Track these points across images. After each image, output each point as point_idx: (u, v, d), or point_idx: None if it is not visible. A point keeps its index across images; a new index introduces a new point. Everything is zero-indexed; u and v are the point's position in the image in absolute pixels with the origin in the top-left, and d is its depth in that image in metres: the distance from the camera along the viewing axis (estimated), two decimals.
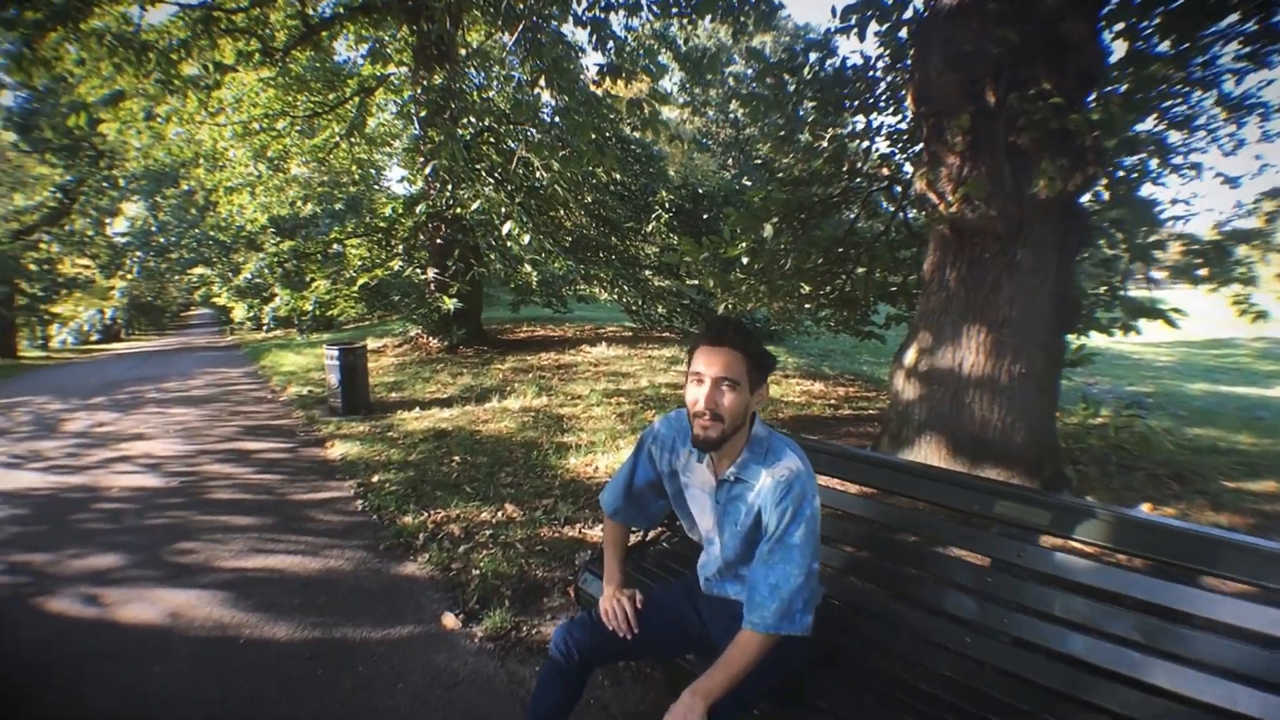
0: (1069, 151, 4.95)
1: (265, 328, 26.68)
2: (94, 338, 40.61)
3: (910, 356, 5.77)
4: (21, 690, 3.29)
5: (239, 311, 26.92)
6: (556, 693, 2.36)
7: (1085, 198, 5.82)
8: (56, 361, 24.43)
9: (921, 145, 5.84)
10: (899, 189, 7.86)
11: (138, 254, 30.87)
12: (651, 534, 3.41)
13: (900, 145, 7.98)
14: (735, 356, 2.16)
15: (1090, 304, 6.59)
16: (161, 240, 29.27)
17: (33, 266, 27.72)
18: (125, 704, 3.17)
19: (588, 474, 6.39)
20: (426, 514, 5.44)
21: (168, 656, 3.54)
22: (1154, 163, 6.72)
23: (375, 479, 6.41)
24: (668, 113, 40.55)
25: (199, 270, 30.54)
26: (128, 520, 5.53)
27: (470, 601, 4.03)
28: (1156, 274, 7.69)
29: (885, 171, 7.97)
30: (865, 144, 7.89)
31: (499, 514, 5.43)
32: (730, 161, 41.64)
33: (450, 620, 3.83)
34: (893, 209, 8.17)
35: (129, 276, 34.24)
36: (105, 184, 27.12)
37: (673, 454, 2.51)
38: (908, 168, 7.79)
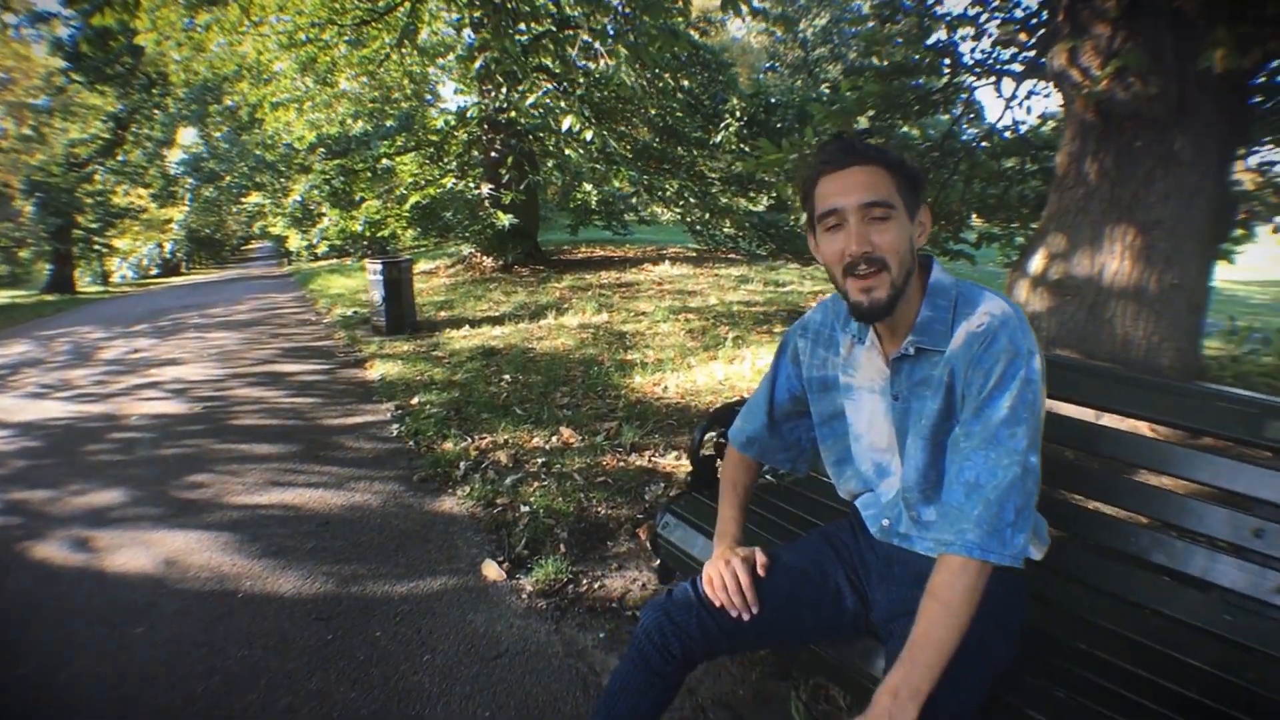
0: (1249, 17, 3.96)
1: (315, 254, 26.19)
2: (153, 272, 40.81)
3: (1037, 263, 4.87)
4: None
5: (294, 240, 26.52)
6: (643, 699, 1.60)
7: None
8: (113, 295, 24.35)
9: (1059, 15, 4.85)
10: (1008, 85, 6.75)
11: (189, 181, 30.54)
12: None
13: (1022, 27, 6.76)
14: (876, 172, 1.48)
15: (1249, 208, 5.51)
16: (213, 166, 28.81)
17: (87, 200, 27.63)
18: (97, 679, 2.52)
19: (655, 394, 5.63)
20: (470, 440, 4.74)
21: (154, 614, 2.90)
22: None
23: (415, 401, 5.73)
24: (734, 26, 38.85)
25: (254, 198, 30.17)
26: (141, 451, 4.96)
27: (517, 546, 3.30)
28: None
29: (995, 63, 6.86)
30: (969, 31, 6.75)
31: (553, 439, 4.70)
32: (799, 84, 39.92)
33: (492, 570, 3.09)
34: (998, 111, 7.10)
35: (182, 205, 34.09)
36: (157, 110, 26.67)
37: (830, 348, 1.75)
38: (1015, 66, 6.66)
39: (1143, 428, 3.17)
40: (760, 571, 1.69)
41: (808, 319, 1.82)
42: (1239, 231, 5.30)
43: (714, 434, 2.53)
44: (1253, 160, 5.33)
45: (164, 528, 3.70)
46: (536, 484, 3.97)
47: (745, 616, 1.62)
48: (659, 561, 2.46)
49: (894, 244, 1.45)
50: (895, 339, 1.58)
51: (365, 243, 16.25)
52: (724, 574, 1.65)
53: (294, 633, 2.72)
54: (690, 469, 2.56)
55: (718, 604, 1.63)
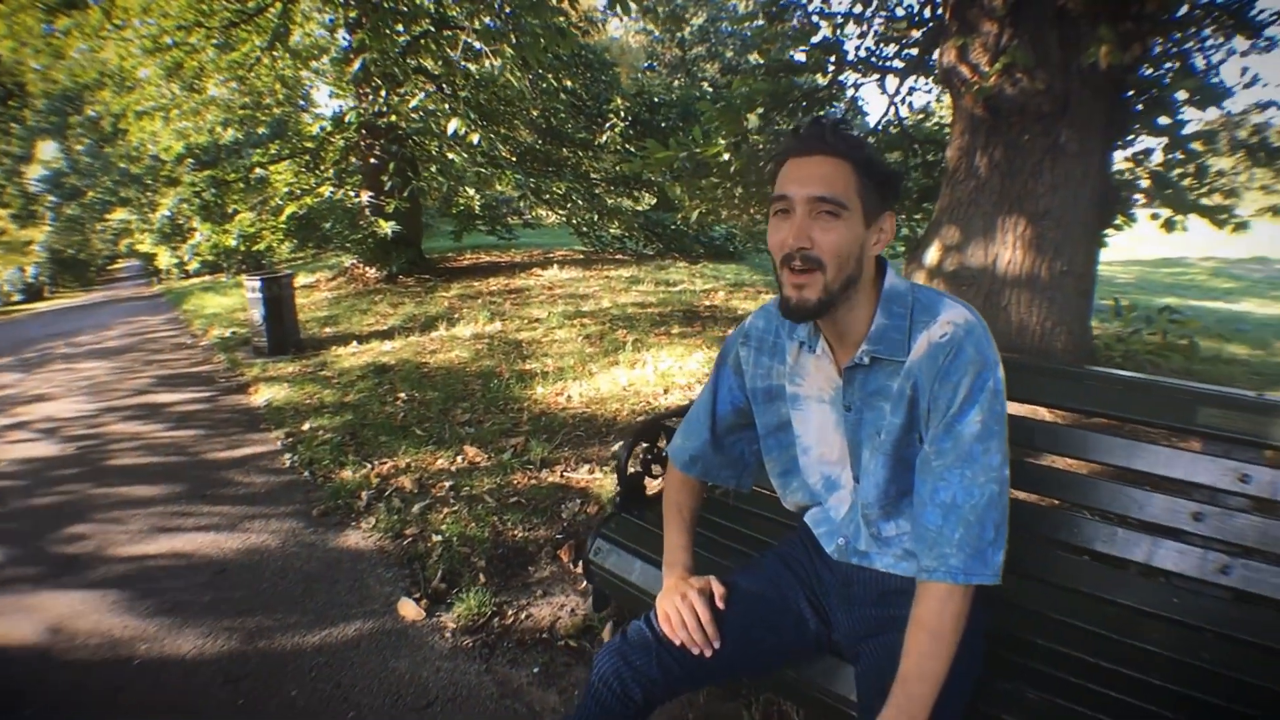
0: (1130, 15, 4.26)
1: (187, 271, 25.03)
2: (15, 298, 38.64)
3: (932, 255, 5.09)
4: None
5: (163, 258, 25.35)
6: None
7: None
8: None
9: (945, 14, 5.02)
10: (892, 82, 6.94)
11: (50, 199, 28.93)
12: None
13: (907, 25, 6.93)
14: (839, 166, 1.39)
15: (1129, 196, 5.78)
16: (75, 182, 27.34)
17: None
18: None
19: (559, 404, 5.55)
20: (369, 466, 4.56)
21: (45, 692, 2.64)
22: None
23: (306, 427, 5.48)
24: (613, 25, 38.99)
25: (119, 214, 28.78)
26: (12, 501, 4.57)
27: (434, 579, 3.16)
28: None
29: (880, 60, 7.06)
30: (855, 29, 6.93)
31: (458, 459, 4.56)
32: (676, 84, 40.34)
33: (410, 608, 2.95)
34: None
35: (44, 225, 32.33)
36: (15, 124, 25.18)
37: (775, 356, 1.67)
38: (897, 63, 6.89)
39: (1043, 411, 3.27)
40: (719, 603, 1.61)
41: (749, 326, 1.73)
42: (1120, 218, 5.58)
43: (641, 449, 2.47)
44: (1129, 150, 5.66)
45: (45, 589, 3.39)
46: (446, 510, 3.83)
47: (708, 653, 1.55)
48: (592, 589, 2.38)
49: (836, 246, 1.38)
50: (847, 347, 1.52)
51: (240, 257, 15.62)
52: (681, 609, 1.57)
53: (200, 701, 2.52)
54: (618, 489, 2.48)
55: (677, 642, 1.56)
